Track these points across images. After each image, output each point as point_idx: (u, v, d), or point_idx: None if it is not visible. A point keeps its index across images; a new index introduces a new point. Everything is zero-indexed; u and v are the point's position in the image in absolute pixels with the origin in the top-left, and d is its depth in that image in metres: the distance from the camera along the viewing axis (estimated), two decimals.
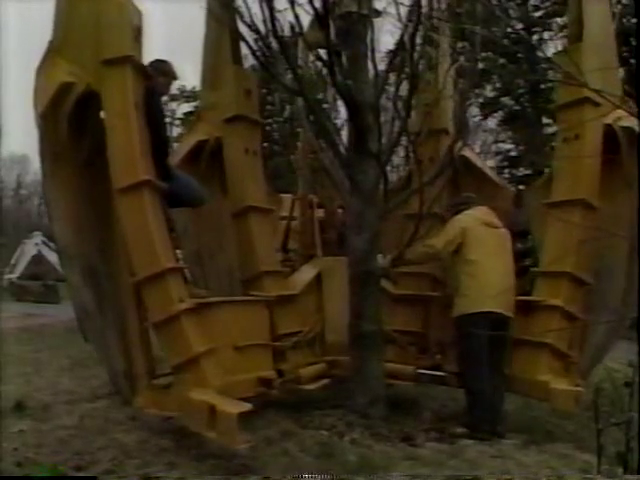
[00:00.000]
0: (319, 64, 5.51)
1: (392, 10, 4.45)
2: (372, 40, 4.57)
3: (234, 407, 3.44)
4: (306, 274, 5.31)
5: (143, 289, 3.87)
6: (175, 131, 37.41)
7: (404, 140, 5.11)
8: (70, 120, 3.97)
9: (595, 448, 2.85)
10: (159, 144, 4.15)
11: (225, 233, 5.06)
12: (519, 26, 19.39)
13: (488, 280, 4.32)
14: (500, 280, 4.36)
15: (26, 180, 46.56)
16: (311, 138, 5.80)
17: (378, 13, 4.82)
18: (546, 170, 7.54)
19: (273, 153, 22.61)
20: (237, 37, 4.82)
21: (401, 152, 11.78)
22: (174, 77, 4.55)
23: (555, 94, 6.09)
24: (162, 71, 4.41)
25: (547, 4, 20.23)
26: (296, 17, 4.29)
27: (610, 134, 4.50)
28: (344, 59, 4.64)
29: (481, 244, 4.42)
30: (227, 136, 4.93)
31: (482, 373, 4.24)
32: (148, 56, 4.20)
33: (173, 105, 39.60)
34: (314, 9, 4.19)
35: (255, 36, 4.64)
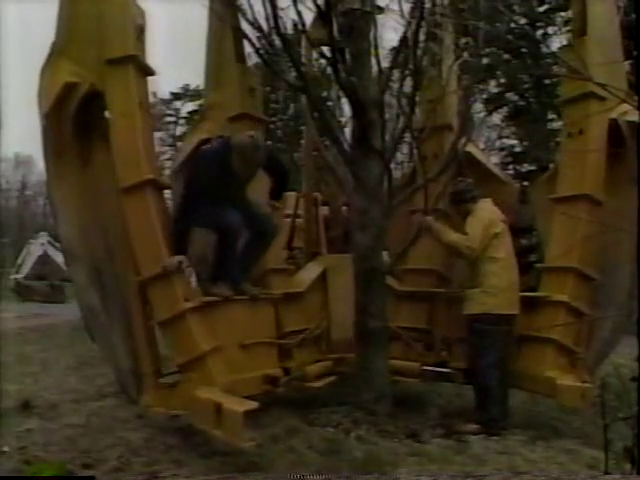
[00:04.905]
0: (322, 61, 5.50)
1: (395, 6, 4.45)
2: (375, 37, 4.57)
3: (240, 405, 3.44)
4: (311, 272, 5.31)
5: (148, 288, 3.89)
6: (179, 130, 37.73)
7: (408, 136, 5.09)
8: (74, 120, 3.98)
9: (602, 443, 2.85)
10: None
11: None
12: (523, 21, 19.30)
13: (509, 279, 4.35)
14: (515, 278, 4.42)
15: (31, 181, 46.77)
16: (315, 135, 5.79)
17: (381, 10, 4.81)
18: (551, 165, 7.52)
19: (277, 151, 22.60)
20: (240, 35, 4.82)
21: (405, 149, 11.78)
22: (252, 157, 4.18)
23: (560, 89, 6.06)
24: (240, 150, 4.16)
25: None
26: (299, 14, 4.29)
27: (615, 128, 4.48)
28: (347, 56, 4.63)
29: (503, 241, 4.43)
30: (231, 134, 4.92)
31: (494, 369, 4.24)
32: (151, 55, 4.21)
33: (177, 104, 39.82)
34: (317, 6, 4.18)
35: (258, 34, 4.64)
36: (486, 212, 4.48)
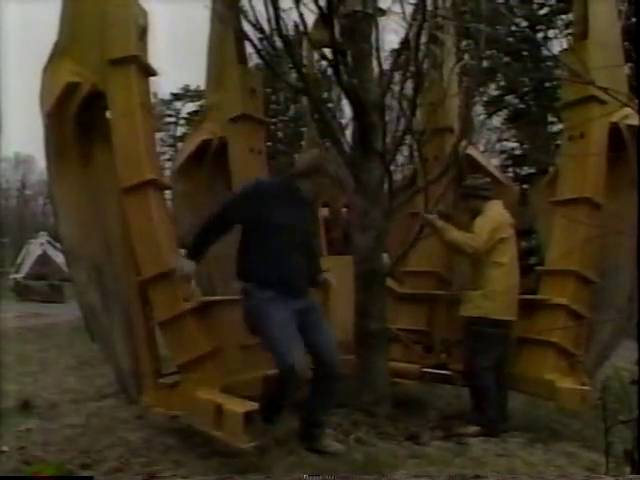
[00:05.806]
0: (324, 63, 5.50)
1: (397, 9, 4.44)
2: (377, 39, 4.56)
3: (241, 406, 3.44)
4: None
5: (149, 288, 3.89)
6: (179, 131, 37.81)
7: (409, 139, 5.10)
8: (76, 120, 3.99)
9: (601, 446, 2.85)
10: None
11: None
12: (524, 24, 19.33)
13: (508, 283, 4.32)
14: (515, 282, 4.39)
15: (31, 180, 46.87)
16: (316, 137, 5.80)
17: (383, 12, 4.81)
18: (551, 168, 7.52)
19: (278, 152, 22.63)
20: (241, 36, 4.83)
21: (406, 151, 11.77)
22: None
23: (560, 92, 6.07)
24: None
25: (552, 2, 20.17)
26: (301, 16, 4.29)
27: (616, 132, 4.49)
28: (349, 58, 4.64)
29: (509, 246, 4.39)
30: (232, 135, 4.94)
31: (489, 371, 4.24)
32: (153, 56, 4.21)
33: (178, 105, 39.91)
34: (319, 8, 4.19)
35: (260, 35, 4.65)
36: (496, 215, 4.43)
